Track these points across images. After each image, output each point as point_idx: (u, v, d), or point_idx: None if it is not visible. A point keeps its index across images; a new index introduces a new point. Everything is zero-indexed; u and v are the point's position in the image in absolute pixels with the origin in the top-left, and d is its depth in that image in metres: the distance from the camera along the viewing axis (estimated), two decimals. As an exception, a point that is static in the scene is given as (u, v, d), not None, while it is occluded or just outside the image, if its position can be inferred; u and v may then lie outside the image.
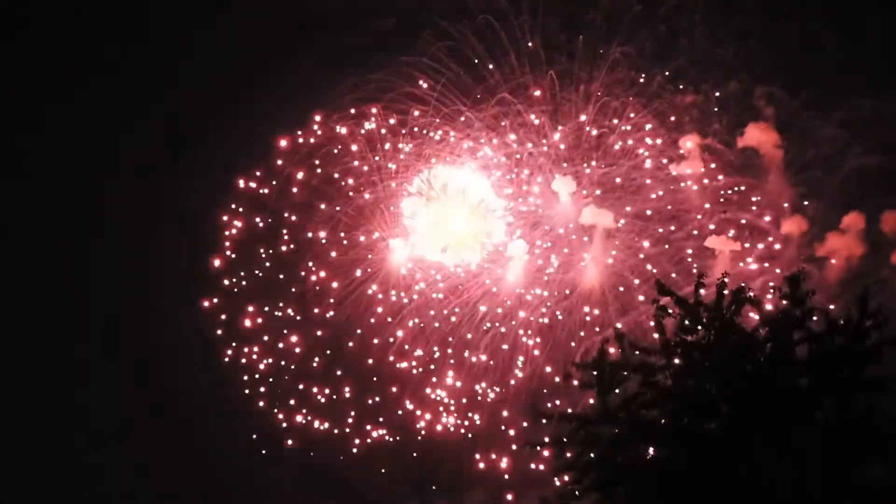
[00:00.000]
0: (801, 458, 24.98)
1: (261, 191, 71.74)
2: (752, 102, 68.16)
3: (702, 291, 27.33)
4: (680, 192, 68.56)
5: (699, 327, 26.89)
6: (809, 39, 66.04)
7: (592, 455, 26.62)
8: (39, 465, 70.33)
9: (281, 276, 71.45)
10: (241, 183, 71.80)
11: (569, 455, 26.86)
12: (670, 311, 27.41)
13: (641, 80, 69.73)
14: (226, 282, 71.74)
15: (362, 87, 69.67)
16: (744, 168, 67.83)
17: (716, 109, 68.81)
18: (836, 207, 65.30)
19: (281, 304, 71.19)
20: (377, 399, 70.20)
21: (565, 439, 26.78)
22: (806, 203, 66.47)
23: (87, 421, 71.46)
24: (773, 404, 25.77)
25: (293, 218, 71.51)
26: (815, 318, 26.60)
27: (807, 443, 25.21)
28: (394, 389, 69.65)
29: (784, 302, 26.88)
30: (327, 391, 70.48)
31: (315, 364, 70.98)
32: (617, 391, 27.50)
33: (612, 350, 28.15)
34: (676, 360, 26.77)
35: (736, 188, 67.98)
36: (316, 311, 70.69)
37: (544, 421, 28.23)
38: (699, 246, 66.97)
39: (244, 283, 71.63)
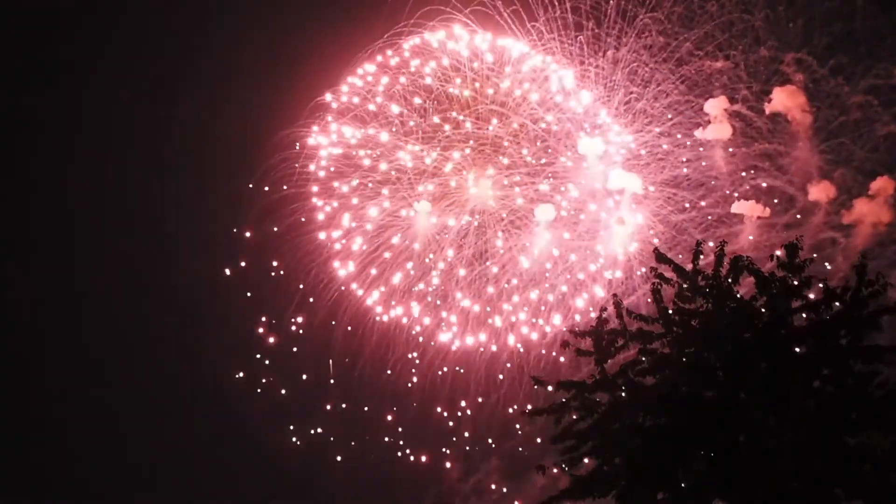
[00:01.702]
0: (799, 425, 25.10)
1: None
2: (780, 69, 67.61)
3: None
4: (708, 158, 68.19)
5: (697, 295, 27.05)
6: (839, 5, 65.42)
7: (590, 422, 26.87)
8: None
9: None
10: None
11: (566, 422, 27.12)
12: (670, 279, 27.58)
13: (671, 46, 69.13)
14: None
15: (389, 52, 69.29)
16: (772, 134, 67.36)
17: (744, 76, 68.29)
18: (864, 175, 64.75)
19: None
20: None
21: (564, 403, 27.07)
22: (834, 171, 65.92)
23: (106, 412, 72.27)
24: (770, 372, 25.93)
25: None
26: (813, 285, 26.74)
27: (804, 410, 25.34)
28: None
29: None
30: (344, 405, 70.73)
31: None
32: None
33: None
34: (675, 328, 26.91)
35: (764, 154, 67.52)
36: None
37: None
38: (727, 213, 66.61)
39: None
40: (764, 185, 67.08)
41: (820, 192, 65.36)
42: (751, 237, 64.63)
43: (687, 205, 67.19)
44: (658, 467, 25.80)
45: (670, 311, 27.00)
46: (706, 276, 27.09)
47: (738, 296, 26.99)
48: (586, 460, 26.87)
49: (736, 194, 67.17)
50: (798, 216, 65.80)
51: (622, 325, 27.31)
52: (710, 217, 67.00)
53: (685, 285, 27.17)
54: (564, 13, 69.12)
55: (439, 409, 68.95)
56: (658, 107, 68.65)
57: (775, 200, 67.00)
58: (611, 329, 27.23)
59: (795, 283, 26.63)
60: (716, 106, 66.69)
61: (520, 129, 68.35)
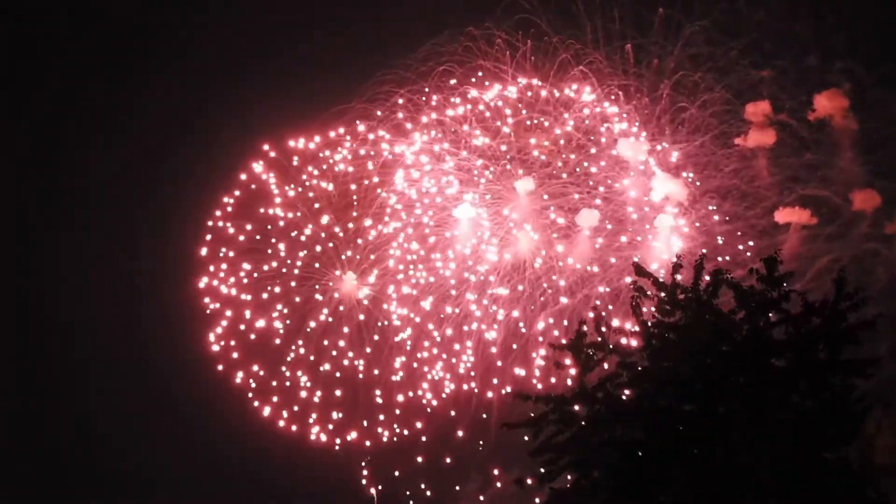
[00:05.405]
0: (777, 439, 25.08)
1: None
2: (826, 78, 66.92)
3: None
4: (752, 168, 67.72)
5: (676, 309, 27.10)
6: (884, 15, 64.69)
7: (569, 435, 26.97)
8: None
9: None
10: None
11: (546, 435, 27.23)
12: (649, 292, 27.67)
13: (716, 54, 68.70)
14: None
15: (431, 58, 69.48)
16: (816, 144, 66.75)
17: (789, 85, 67.69)
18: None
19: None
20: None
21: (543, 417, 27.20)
22: (878, 181, 65.08)
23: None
24: (748, 385, 25.93)
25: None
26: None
27: (782, 423, 25.30)
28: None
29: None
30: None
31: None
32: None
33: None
34: (654, 341, 27.00)
35: (808, 165, 66.91)
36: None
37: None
38: (770, 223, 66.10)
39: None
40: (809, 194, 66.46)
41: (864, 200, 64.58)
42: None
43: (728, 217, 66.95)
44: (636, 481, 25.83)
45: (649, 325, 27.08)
46: (685, 289, 27.14)
47: (718, 309, 27.01)
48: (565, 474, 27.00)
49: (783, 202, 66.71)
50: (841, 226, 65.13)
51: (601, 339, 27.44)
52: (754, 223, 66.60)
53: (665, 298, 27.24)
54: (609, 22, 69.07)
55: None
56: (702, 116, 68.34)
57: (823, 210, 66.39)
58: (590, 342, 27.35)
59: (774, 296, 26.58)
60: (757, 110, 66.17)
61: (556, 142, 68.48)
